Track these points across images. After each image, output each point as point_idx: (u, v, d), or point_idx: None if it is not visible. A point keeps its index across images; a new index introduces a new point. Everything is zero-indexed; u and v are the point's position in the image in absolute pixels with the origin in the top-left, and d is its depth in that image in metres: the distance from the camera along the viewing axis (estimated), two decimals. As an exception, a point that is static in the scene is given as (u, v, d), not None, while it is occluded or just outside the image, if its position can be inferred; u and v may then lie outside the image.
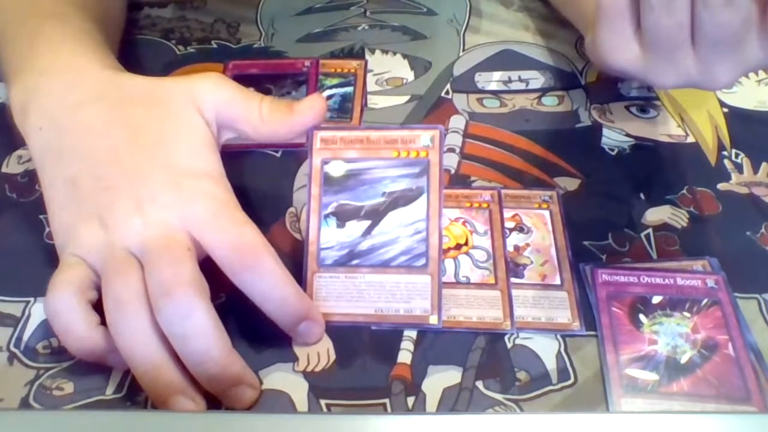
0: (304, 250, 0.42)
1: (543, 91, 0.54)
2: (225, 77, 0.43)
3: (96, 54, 0.44)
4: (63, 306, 0.37)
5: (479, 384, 0.38)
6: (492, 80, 0.55)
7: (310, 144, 0.42)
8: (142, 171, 0.39)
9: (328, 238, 0.42)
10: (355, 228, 0.42)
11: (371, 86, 0.55)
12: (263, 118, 0.42)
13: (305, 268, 0.41)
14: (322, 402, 0.37)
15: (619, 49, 0.38)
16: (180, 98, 0.42)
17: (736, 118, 0.52)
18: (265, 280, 0.38)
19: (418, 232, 0.41)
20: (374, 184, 0.42)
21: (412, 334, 0.40)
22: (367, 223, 0.41)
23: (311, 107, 0.42)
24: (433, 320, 0.40)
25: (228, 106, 0.42)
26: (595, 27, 0.38)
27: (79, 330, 0.37)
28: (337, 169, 0.42)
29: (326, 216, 0.42)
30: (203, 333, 0.36)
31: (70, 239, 0.39)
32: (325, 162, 0.42)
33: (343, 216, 0.42)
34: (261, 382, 0.38)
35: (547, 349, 0.39)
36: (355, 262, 0.41)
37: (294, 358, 0.39)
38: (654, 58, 0.37)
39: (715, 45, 0.36)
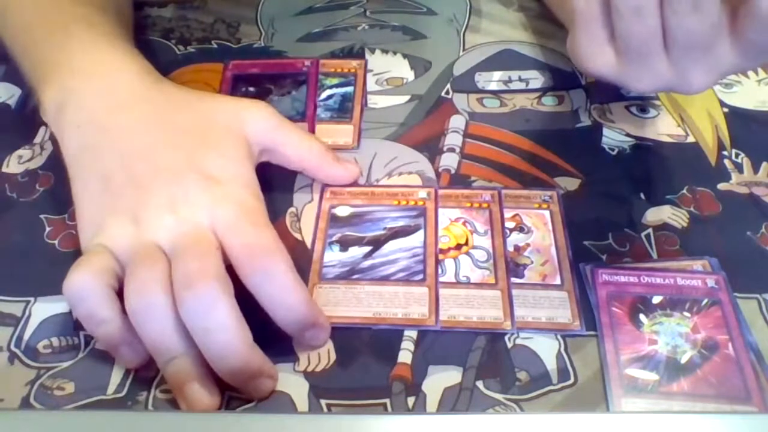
0: (306, 267, 0.43)
1: (543, 91, 0.54)
2: (273, 108, 0.46)
3: (128, 56, 0.46)
4: (86, 287, 0.37)
5: (479, 384, 0.38)
6: (492, 80, 0.55)
7: (320, 194, 0.47)
8: (177, 170, 0.40)
9: (331, 259, 0.43)
10: (357, 252, 0.43)
11: (371, 86, 0.55)
12: (310, 138, 0.47)
13: (307, 282, 0.42)
14: (323, 402, 0.37)
15: (595, 54, 0.38)
16: (228, 114, 0.44)
17: (736, 117, 0.52)
18: (275, 283, 0.38)
19: (416, 255, 0.43)
20: (376, 221, 0.45)
21: (412, 334, 0.40)
22: (368, 248, 0.44)
23: (350, 165, 0.47)
24: (430, 323, 0.40)
25: (277, 132, 0.45)
26: (573, 32, 0.39)
27: (103, 312, 0.37)
28: (343, 211, 0.45)
29: (330, 243, 0.44)
30: (225, 327, 0.36)
31: (99, 232, 0.39)
32: (332, 207, 0.46)
33: (346, 243, 0.44)
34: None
35: (547, 349, 0.39)
36: (355, 277, 0.42)
37: (294, 358, 0.39)
38: (629, 63, 0.37)
39: (687, 50, 0.36)
